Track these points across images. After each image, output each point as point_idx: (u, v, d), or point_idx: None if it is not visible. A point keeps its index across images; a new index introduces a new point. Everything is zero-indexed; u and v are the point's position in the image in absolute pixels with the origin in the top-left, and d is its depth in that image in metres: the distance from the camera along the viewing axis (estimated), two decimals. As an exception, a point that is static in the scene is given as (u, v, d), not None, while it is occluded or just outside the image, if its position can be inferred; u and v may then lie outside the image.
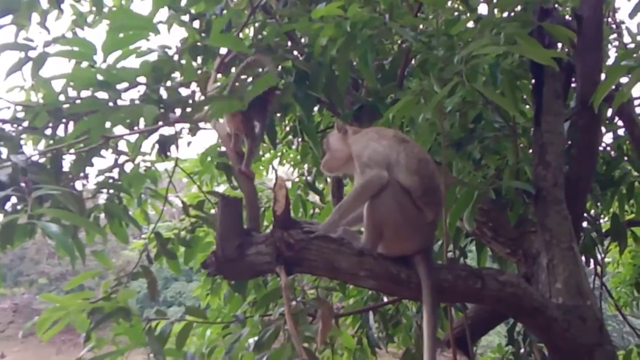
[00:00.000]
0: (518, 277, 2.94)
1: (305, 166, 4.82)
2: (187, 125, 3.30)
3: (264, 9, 3.38)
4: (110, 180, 2.99)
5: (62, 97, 2.94)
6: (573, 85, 3.46)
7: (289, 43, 3.70)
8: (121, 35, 2.39)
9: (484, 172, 3.67)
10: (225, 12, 3.56)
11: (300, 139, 4.17)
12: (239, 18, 3.57)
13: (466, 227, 3.11)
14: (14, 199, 2.37)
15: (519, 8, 3.32)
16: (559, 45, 3.22)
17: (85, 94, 2.66)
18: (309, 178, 4.72)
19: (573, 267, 2.94)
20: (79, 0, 3.94)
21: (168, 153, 3.24)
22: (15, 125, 2.78)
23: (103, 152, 2.89)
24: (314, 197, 4.95)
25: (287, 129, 4.25)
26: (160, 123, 2.74)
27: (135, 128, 2.91)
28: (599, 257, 4.62)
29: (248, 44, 3.33)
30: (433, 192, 2.53)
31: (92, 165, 2.79)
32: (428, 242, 2.61)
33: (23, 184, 2.19)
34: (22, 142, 2.76)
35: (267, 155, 5.17)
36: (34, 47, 3.06)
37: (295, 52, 3.62)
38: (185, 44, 3.35)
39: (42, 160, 2.57)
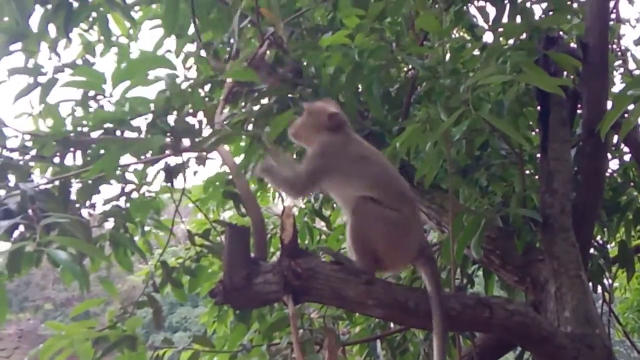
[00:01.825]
0: (526, 306, 2.93)
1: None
2: (194, 154, 3.31)
3: (276, 44, 3.41)
4: (117, 209, 3.00)
5: (69, 120, 2.96)
6: (579, 111, 3.46)
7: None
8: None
9: (490, 200, 3.66)
10: (232, 41, 3.59)
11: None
12: (248, 47, 3.60)
13: (473, 255, 3.10)
14: (21, 227, 2.37)
15: (524, 36, 3.33)
16: (565, 72, 3.23)
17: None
18: (315, 205, 4.71)
19: (581, 296, 2.92)
20: (87, 30, 3.97)
21: (174, 181, 3.25)
22: (23, 154, 2.79)
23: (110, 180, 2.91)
24: (320, 224, 4.95)
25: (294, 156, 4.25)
26: (168, 152, 2.76)
27: (142, 157, 2.92)
28: (606, 283, 4.60)
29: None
30: (401, 192, 2.57)
31: (99, 193, 2.80)
32: (422, 239, 2.66)
33: (31, 212, 2.20)
34: (30, 170, 2.78)
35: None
36: (44, 73, 3.09)
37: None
38: (198, 79, 3.37)
39: (50, 186, 2.58)
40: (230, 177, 3.72)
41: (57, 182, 2.58)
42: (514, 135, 2.85)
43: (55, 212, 2.29)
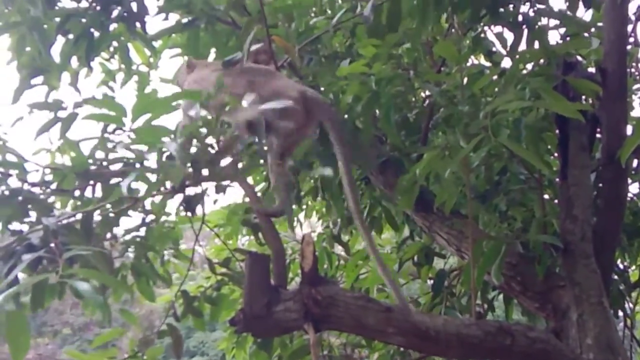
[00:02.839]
0: (548, 333, 2.91)
1: (330, 218, 4.82)
2: (214, 183, 3.33)
3: (289, 65, 3.43)
4: (137, 239, 3.01)
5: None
6: (598, 136, 3.45)
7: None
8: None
9: (510, 225, 3.65)
10: None
11: (321, 197, 4.19)
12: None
13: (494, 281, 3.09)
14: (44, 261, 2.39)
15: (542, 60, 3.33)
16: (583, 97, 3.23)
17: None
18: (334, 230, 4.71)
19: (604, 322, 2.90)
20: (108, 59, 4.03)
21: (194, 211, 3.26)
22: (44, 188, 2.82)
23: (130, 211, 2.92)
24: (339, 250, 4.94)
25: (312, 181, 4.26)
26: (187, 182, 2.77)
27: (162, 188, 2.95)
28: (627, 308, 4.56)
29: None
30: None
31: (118, 225, 2.81)
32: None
33: (54, 246, 2.22)
34: (52, 204, 2.80)
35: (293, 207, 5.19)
36: (64, 107, 3.12)
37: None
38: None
39: (72, 220, 2.60)
40: (250, 204, 3.73)
41: (79, 216, 2.60)
42: (533, 161, 2.84)
43: (78, 245, 2.31)
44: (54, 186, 2.83)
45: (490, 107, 2.68)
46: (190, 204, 2.90)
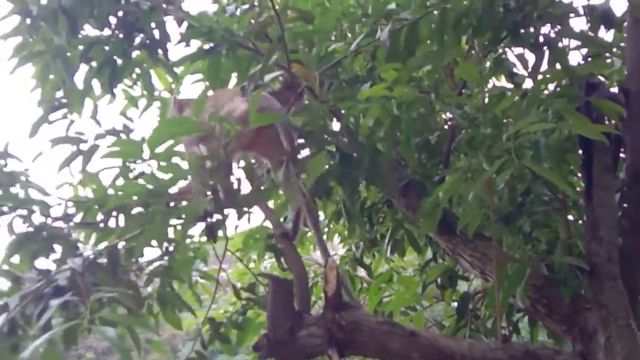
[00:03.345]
0: (575, 356, 2.88)
1: (353, 241, 4.81)
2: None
3: (309, 90, 3.44)
4: (161, 268, 3.02)
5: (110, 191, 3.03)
6: (622, 156, 3.42)
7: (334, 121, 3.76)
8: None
9: (534, 247, 3.62)
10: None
11: (344, 221, 4.18)
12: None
13: (519, 304, 3.06)
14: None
15: (564, 81, 3.32)
16: (607, 117, 3.20)
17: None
18: (356, 253, 4.70)
19: (632, 345, 2.85)
20: (131, 86, 4.07)
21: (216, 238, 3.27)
22: (67, 222, 2.85)
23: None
24: (362, 272, 4.93)
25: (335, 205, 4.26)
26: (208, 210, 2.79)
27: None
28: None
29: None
30: None
31: (142, 256, 2.84)
32: None
33: (81, 286, 2.26)
34: (76, 241, 2.83)
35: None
36: (85, 141, 3.16)
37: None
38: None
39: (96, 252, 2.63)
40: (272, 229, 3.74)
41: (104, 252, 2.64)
42: (557, 182, 2.83)
43: (105, 282, 2.35)
44: (77, 219, 2.86)
45: (513, 129, 2.67)
46: (211, 231, 2.92)
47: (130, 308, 2.56)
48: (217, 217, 3.01)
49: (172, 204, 2.55)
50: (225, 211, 2.94)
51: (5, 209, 2.82)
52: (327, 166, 3.29)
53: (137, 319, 2.49)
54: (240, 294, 3.60)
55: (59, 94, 3.67)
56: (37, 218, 2.88)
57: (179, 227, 2.92)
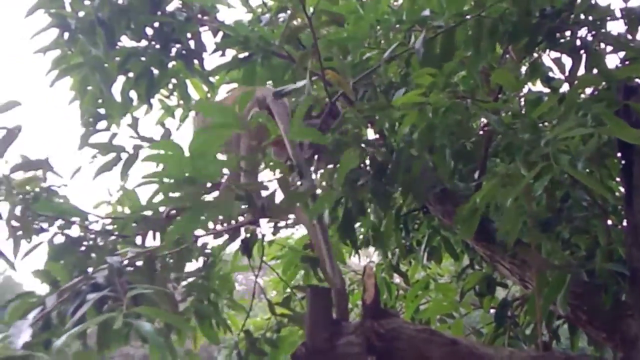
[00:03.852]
0: (616, 364, 2.84)
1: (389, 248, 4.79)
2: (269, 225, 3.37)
3: (344, 97, 3.44)
4: (199, 282, 3.04)
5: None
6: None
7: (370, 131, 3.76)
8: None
9: (573, 254, 3.58)
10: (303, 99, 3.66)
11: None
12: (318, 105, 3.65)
13: (560, 311, 3.02)
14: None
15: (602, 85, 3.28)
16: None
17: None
18: (392, 260, 4.68)
19: (675, 352, 2.81)
20: (168, 96, 4.12)
21: (251, 253, 3.29)
22: (105, 238, 2.88)
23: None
24: (398, 280, 4.91)
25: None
26: (243, 219, 2.81)
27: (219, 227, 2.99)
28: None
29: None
30: None
31: (182, 270, 2.86)
32: None
33: (118, 285, 2.27)
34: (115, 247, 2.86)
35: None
36: (125, 150, 3.20)
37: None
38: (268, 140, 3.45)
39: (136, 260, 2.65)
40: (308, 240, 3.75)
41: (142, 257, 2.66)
42: (596, 187, 2.79)
43: (142, 284, 2.35)
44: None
45: (551, 134, 2.64)
46: (246, 246, 2.94)
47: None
48: (251, 230, 3.03)
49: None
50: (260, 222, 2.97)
51: (44, 225, 2.86)
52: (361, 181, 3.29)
53: (175, 316, 2.48)
54: (275, 310, 3.60)
55: (98, 106, 3.71)
56: (75, 232, 2.93)
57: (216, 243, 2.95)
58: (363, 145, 3.47)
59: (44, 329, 2.36)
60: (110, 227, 3.01)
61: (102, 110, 3.66)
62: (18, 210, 2.85)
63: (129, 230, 2.95)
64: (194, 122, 3.72)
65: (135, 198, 3.06)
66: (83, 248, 2.79)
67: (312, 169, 3.41)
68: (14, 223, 2.84)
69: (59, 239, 2.91)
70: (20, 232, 2.87)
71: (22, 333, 2.12)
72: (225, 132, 2.65)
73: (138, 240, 2.95)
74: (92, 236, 2.85)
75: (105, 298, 2.28)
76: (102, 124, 3.70)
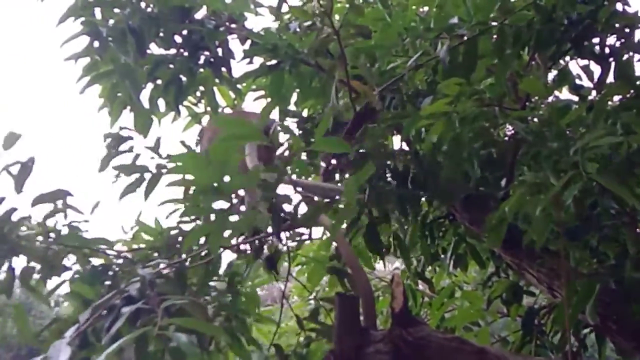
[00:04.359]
0: (647, 374, 2.81)
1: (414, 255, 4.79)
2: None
3: (372, 108, 3.46)
4: (227, 302, 3.03)
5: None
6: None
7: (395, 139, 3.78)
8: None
9: (602, 262, 3.55)
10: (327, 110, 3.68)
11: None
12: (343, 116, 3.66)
13: (589, 321, 3.01)
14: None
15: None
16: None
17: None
18: (417, 267, 4.68)
19: None
20: (196, 104, 4.15)
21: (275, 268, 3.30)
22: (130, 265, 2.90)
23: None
24: (423, 287, 4.90)
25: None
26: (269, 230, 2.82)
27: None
28: None
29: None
30: None
31: (208, 293, 2.87)
32: None
33: (151, 296, 2.29)
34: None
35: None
36: (150, 171, 3.20)
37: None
38: (292, 152, 3.48)
39: (167, 272, 2.67)
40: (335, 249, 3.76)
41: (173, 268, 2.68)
42: (625, 196, 2.77)
43: (173, 295, 2.37)
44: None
45: (580, 142, 2.63)
46: (272, 263, 2.96)
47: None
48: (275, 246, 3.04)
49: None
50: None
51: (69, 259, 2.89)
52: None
53: (210, 325, 2.49)
54: (304, 324, 3.60)
55: (124, 120, 3.74)
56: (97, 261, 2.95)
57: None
58: (387, 155, 3.49)
59: (82, 347, 2.38)
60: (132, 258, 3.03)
61: (124, 133, 3.65)
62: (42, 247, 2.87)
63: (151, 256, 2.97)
64: (205, 133, 3.77)
65: (151, 228, 3.09)
66: (111, 273, 2.80)
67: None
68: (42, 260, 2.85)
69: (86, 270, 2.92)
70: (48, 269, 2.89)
71: (60, 353, 2.14)
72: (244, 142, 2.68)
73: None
74: (119, 262, 2.86)
75: (139, 311, 2.29)
76: (125, 146, 3.70)
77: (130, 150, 3.38)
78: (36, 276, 2.92)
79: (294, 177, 3.91)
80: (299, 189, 2.83)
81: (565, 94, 3.86)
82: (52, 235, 2.93)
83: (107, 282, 2.75)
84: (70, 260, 2.91)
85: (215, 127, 3.45)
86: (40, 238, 2.85)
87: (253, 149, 3.08)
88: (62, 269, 2.86)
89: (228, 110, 4.24)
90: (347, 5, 3.79)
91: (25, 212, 2.86)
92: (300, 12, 3.81)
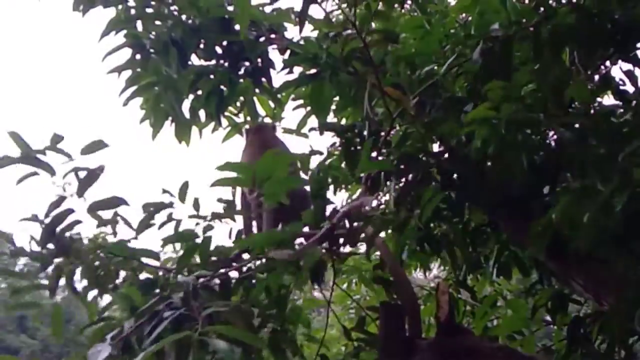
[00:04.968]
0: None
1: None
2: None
3: (408, 115, 3.45)
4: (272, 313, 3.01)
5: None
6: None
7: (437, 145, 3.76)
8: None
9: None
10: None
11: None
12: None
13: (637, 328, 2.95)
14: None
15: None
16: None
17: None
18: (460, 275, 4.63)
19: None
20: (236, 114, 4.17)
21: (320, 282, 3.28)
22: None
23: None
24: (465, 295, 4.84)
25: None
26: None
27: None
28: None
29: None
30: None
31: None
32: None
33: (194, 304, 2.30)
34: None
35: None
36: (197, 235, 3.14)
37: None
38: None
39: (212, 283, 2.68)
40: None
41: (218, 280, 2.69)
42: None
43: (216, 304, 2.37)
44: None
45: (629, 148, 2.59)
46: (316, 275, 2.95)
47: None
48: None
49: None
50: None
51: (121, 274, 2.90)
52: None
53: (251, 335, 2.47)
54: (351, 334, 3.58)
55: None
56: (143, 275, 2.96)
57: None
58: (428, 161, 3.48)
59: (124, 351, 2.40)
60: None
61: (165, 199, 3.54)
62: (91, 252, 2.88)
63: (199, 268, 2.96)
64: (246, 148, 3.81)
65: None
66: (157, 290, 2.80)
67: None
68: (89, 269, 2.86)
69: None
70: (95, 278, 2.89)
71: (100, 354, 2.17)
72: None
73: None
74: (166, 276, 2.85)
75: (181, 318, 2.30)
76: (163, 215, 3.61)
77: (170, 219, 3.20)
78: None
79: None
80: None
81: (606, 99, 3.83)
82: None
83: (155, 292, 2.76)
84: (119, 276, 2.91)
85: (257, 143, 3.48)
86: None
87: None
88: (109, 281, 2.86)
89: (268, 120, 4.27)
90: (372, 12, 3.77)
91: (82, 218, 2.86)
92: (324, 25, 3.82)
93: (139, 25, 3.58)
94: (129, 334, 2.41)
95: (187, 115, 3.83)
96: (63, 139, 2.69)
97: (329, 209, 2.98)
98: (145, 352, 2.09)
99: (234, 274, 2.79)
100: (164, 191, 3.13)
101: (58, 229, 2.76)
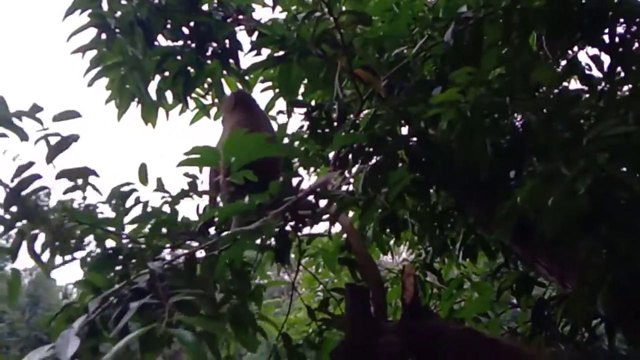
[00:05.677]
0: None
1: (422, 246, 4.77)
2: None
3: (377, 95, 3.44)
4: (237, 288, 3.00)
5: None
6: None
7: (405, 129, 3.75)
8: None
9: (614, 253, 3.52)
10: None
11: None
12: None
13: (600, 312, 2.99)
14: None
15: None
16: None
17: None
18: (426, 258, 4.66)
19: None
20: (204, 95, 4.13)
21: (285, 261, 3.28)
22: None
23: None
24: (432, 278, 4.88)
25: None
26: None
27: None
28: None
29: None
30: None
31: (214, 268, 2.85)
32: None
33: (160, 290, 2.28)
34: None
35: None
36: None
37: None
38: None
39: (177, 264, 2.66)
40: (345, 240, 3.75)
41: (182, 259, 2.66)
42: (637, 185, 2.75)
43: (183, 287, 2.36)
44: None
45: (593, 132, 2.61)
46: (282, 255, 2.95)
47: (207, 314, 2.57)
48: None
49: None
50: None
51: (86, 240, 2.86)
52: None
53: (214, 323, 2.47)
54: (315, 315, 3.59)
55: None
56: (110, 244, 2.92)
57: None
58: (397, 143, 3.47)
59: (90, 336, 2.36)
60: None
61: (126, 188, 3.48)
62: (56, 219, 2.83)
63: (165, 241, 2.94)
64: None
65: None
66: (121, 257, 2.78)
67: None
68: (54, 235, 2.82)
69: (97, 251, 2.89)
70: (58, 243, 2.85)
71: (69, 343, 2.13)
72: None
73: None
74: (130, 246, 2.83)
75: (147, 303, 2.29)
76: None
77: (137, 202, 3.24)
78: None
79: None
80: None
81: (573, 84, 3.85)
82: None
83: (118, 268, 2.73)
84: (85, 241, 2.87)
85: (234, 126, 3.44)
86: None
87: None
88: (75, 247, 2.83)
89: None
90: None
91: (49, 184, 2.80)
92: (298, 2, 3.79)
93: (104, 4, 3.53)
94: (94, 317, 2.38)
95: (153, 96, 3.79)
96: (42, 110, 2.63)
97: (295, 181, 2.98)
98: (116, 348, 2.05)
99: (199, 254, 2.76)
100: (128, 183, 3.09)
101: (23, 193, 2.70)
